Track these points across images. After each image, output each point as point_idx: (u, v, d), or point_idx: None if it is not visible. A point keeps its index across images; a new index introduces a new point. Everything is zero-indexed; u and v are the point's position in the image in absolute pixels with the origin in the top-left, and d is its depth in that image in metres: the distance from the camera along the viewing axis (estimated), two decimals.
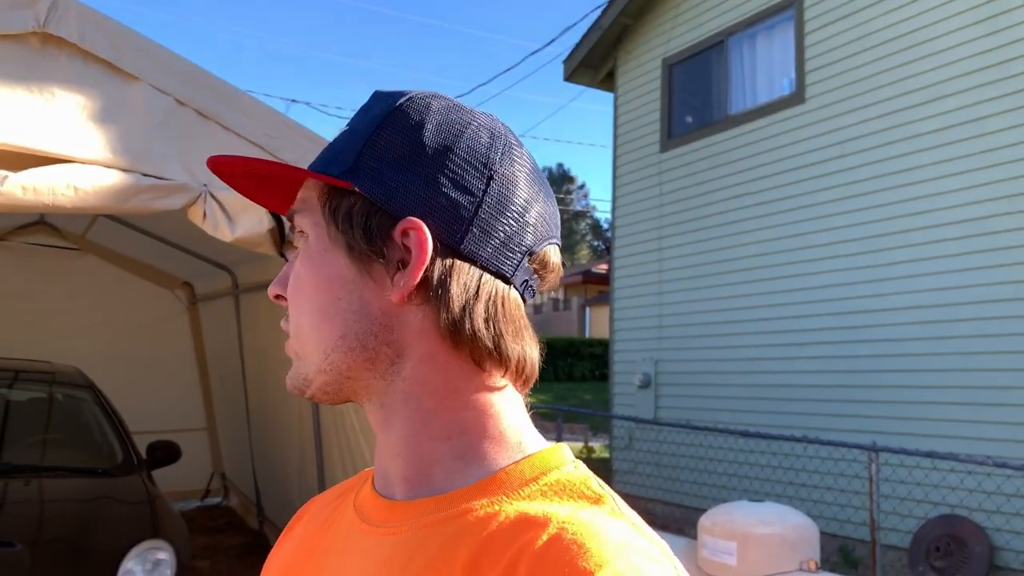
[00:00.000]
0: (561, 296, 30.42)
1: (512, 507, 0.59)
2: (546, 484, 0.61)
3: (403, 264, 0.61)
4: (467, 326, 0.61)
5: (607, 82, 9.37)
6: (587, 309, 27.24)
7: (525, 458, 0.63)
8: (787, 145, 7.07)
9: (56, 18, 2.58)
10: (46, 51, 2.61)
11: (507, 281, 0.63)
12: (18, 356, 5.36)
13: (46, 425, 4.66)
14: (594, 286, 27.78)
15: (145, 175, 2.70)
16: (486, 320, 0.62)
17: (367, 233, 0.62)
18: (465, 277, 0.62)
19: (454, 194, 0.62)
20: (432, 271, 0.61)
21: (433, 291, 0.61)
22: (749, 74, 7.73)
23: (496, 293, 0.62)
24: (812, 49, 6.98)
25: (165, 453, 4.66)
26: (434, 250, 0.61)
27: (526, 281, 0.65)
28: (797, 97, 7.07)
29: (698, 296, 7.72)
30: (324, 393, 0.66)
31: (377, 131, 0.64)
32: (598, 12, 9.07)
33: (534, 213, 0.64)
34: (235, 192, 2.74)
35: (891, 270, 6.13)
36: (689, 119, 8.30)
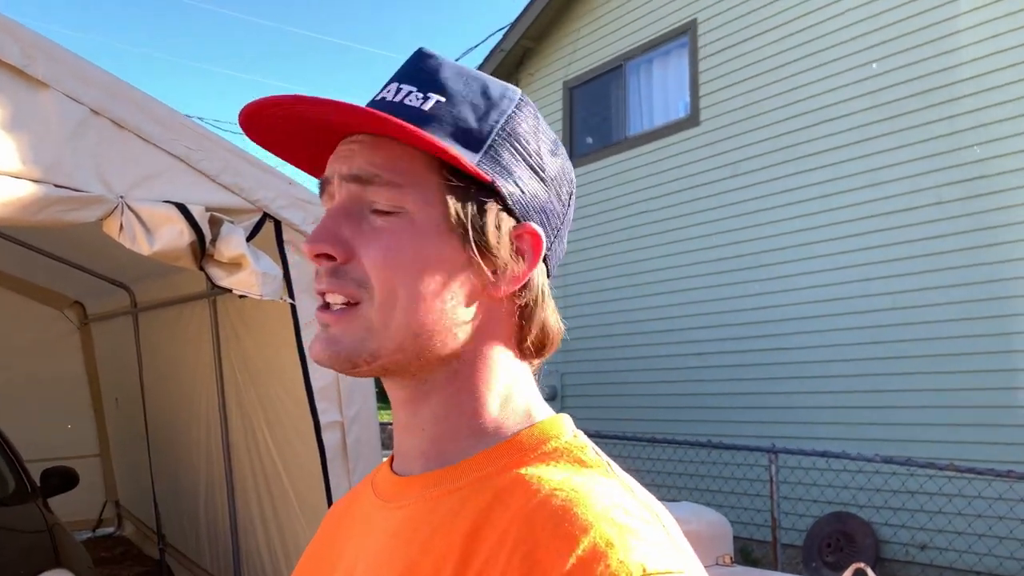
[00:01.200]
0: None
1: (511, 476, 0.61)
2: (544, 452, 0.63)
3: (509, 262, 0.64)
4: (537, 319, 0.67)
5: None
6: None
7: (528, 427, 0.65)
8: (683, 165, 7.39)
9: None
10: None
11: (549, 276, 0.69)
12: None
13: None
14: None
15: (58, 186, 2.60)
16: (550, 316, 0.68)
17: (496, 230, 0.63)
18: (542, 277, 0.67)
19: (558, 205, 0.68)
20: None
21: (521, 289, 0.66)
22: (646, 97, 8.05)
23: (548, 289, 0.69)
24: (706, 74, 7.34)
25: (62, 480, 4.45)
26: None
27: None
28: (692, 120, 7.41)
29: (602, 309, 7.94)
30: (383, 369, 0.64)
31: (509, 123, 0.65)
32: (500, 35, 9.25)
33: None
34: (153, 204, 2.66)
35: (780, 283, 6.49)
36: (590, 140, 8.56)
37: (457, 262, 0.63)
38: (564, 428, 0.66)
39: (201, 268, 2.92)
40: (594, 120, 8.52)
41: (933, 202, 5.69)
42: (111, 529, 7.12)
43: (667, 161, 7.55)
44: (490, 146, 0.64)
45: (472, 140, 0.63)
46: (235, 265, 2.90)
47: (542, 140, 0.67)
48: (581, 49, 8.57)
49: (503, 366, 0.67)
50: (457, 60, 0.68)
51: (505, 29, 9.15)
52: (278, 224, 3.11)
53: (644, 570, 0.51)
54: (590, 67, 8.46)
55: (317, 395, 3.17)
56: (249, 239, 2.97)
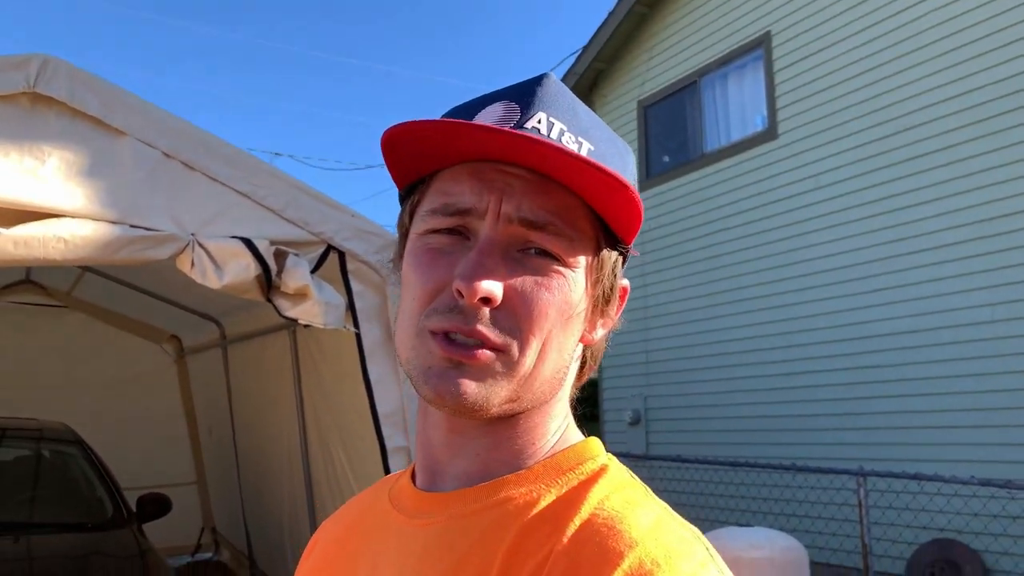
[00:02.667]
0: None
1: (551, 494, 0.61)
2: (584, 472, 0.63)
3: (612, 316, 0.70)
4: (598, 361, 0.72)
5: None
6: None
7: (565, 449, 0.66)
8: (762, 180, 7.23)
9: (46, 78, 2.66)
10: (35, 110, 2.68)
11: None
12: (4, 414, 5.35)
13: (35, 481, 4.64)
14: None
15: (133, 226, 2.76)
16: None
17: (613, 291, 0.68)
18: None
19: None
20: None
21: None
22: (722, 113, 7.93)
23: None
24: (782, 86, 7.18)
25: (155, 506, 4.64)
26: None
27: None
28: (770, 133, 7.25)
29: (684, 331, 7.80)
30: (500, 415, 0.63)
31: (636, 191, 0.63)
32: (572, 58, 9.31)
33: None
34: (221, 240, 2.79)
35: (868, 298, 6.24)
36: (666, 159, 8.48)
37: (583, 315, 0.65)
38: (600, 449, 0.67)
39: (268, 299, 3.03)
40: (669, 138, 8.44)
41: None
42: (209, 554, 7.38)
43: (745, 177, 7.40)
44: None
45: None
46: (300, 296, 3.00)
47: None
48: (654, 67, 8.52)
49: (566, 399, 0.69)
50: (548, 72, 0.68)
51: (577, 53, 9.20)
52: (342, 255, 3.20)
53: None
54: (664, 85, 8.40)
55: (383, 420, 3.23)
56: (314, 271, 3.07)
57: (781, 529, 6.06)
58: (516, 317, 0.60)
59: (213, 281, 2.86)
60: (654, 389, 8.08)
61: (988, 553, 5.39)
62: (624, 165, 0.66)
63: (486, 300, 0.59)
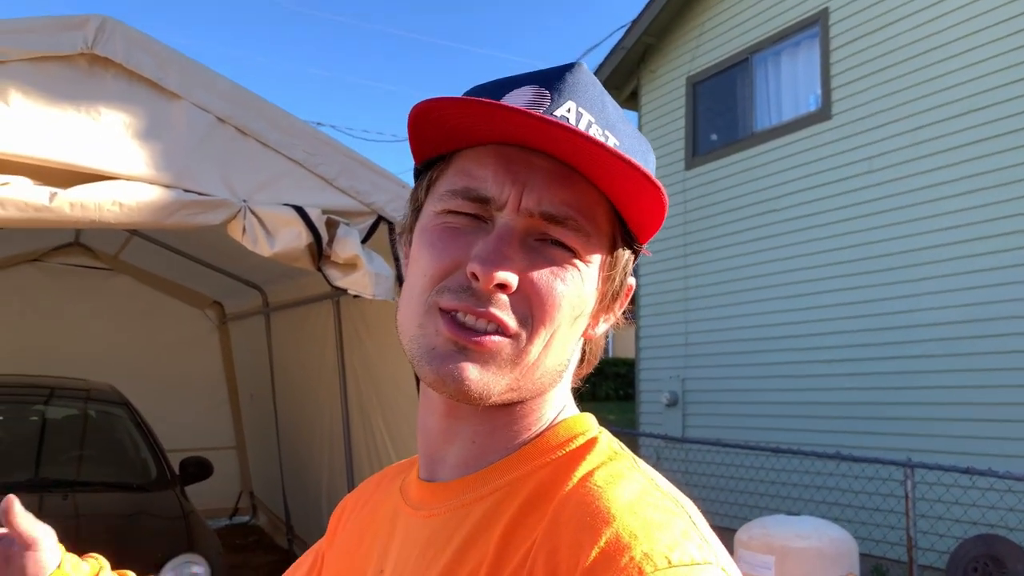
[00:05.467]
0: None
1: (540, 475, 0.61)
2: (571, 450, 0.63)
3: (617, 312, 0.69)
4: (598, 354, 0.71)
5: (631, 101, 9.41)
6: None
7: (554, 426, 0.66)
8: (814, 161, 7.05)
9: (104, 39, 2.64)
10: (93, 71, 2.67)
11: None
12: (53, 374, 5.45)
13: (81, 441, 4.72)
14: None
15: (187, 191, 2.75)
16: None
17: (622, 288, 0.68)
18: None
19: None
20: None
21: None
22: (774, 91, 7.74)
23: None
24: (838, 65, 6.97)
25: (197, 469, 4.70)
26: None
27: None
28: (823, 113, 7.06)
29: (725, 313, 7.68)
30: (501, 403, 0.63)
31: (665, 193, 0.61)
32: (621, 32, 9.14)
33: None
34: (273, 207, 2.76)
35: (921, 285, 6.07)
36: (714, 137, 8.31)
37: (588, 311, 0.65)
38: (589, 424, 0.67)
39: (319, 269, 3.02)
40: (719, 116, 8.27)
41: None
42: (246, 518, 7.51)
43: (796, 157, 7.23)
44: None
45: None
46: (350, 266, 2.98)
47: None
48: (705, 43, 8.34)
49: (566, 389, 0.69)
50: (579, 60, 0.65)
51: (626, 26, 9.03)
52: (392, 226, 3.17)
53: (669, 561, 0.50)
54: (714, 61, 8.22)
55: None
56: (364, 241, 3.05)
57: (822, 518, 5.98)
58: (529, 306, 0.59)
59: (264, 248, 2.84)
60: (693, 372, 7.98)
61: None
62: (647, 164, 0.65)
63: (502, 287, 0.58)
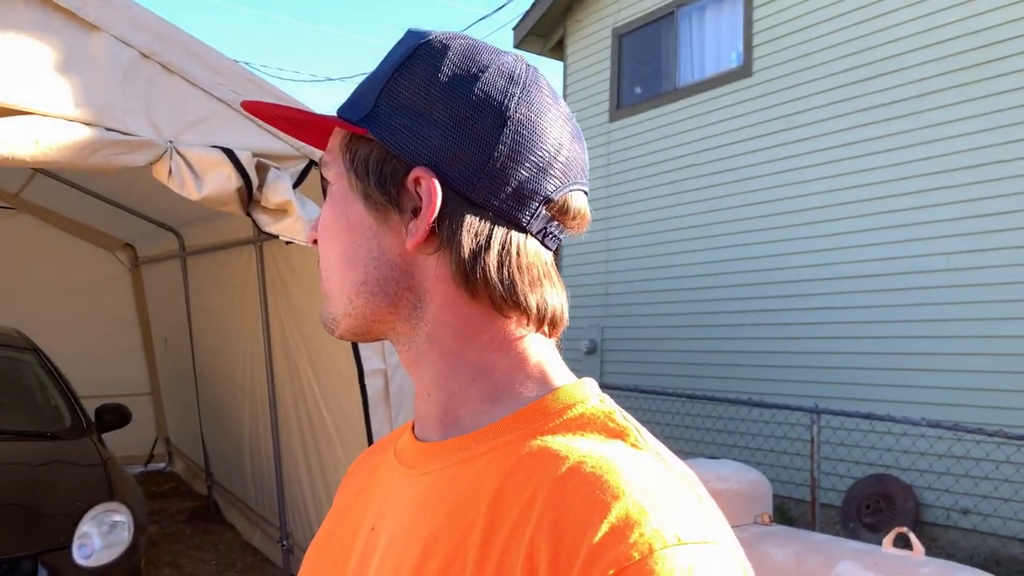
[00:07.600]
0: None
1: (536, 442, 0.59)
2: (569, 418, 0.61)
3: (416, 212, 0.62)
4: (478, 274, 0.61)
5: (557, 51, 9.37)
6: None
7: (549, 393, 0.63)
8: (734, 118, 7.21)
9: None
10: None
11: (523, 230, 0.63)
12: None
13: None
14: None
15: (108, 129, 2.62)
16: (498, 268, 0.62)
17: (381, 182, 0.63)
18: (477, 226, 0.62)
19: (465, 142, 0.61)
20: (444, 220, 0.61)
21: (445, 240, 0.62)
22: (698, 46, 7.84)
23: (510, 242, 0.62)
24: (760, 23, 7.10)
25: (115, 417, 4.58)
26: (445, 199, 0.61)
27: (545, 229, 0.64)
28: (744, 70, 7.21)
29: (645, 264, 7.86)
30: (352, 334, 0.68)
31: (394, 76, 0.64)
32: None
33: (554, 158, 0.63)
34: (201, 149, 2.67)
35: (829, 241, 6.35)
36: (638, 90, 8.38)
37: (366, 222, 0.65)
38: (589, 393, 0.64)
39: (248, 214, 2.94)
40: (643, 69, 8.33)
41: (995, 160, 5.48)
42: (162, 465, 7.37)
43: (716, 113, 7.38)
44: (378, 100, 0.64)
45: (366, 102, 0.65)
46: (281, 211, 2.92)
47: (442, 77, 0.63)
48: None
49: (482, 331, 0.64)
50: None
51: None
52: None
53: (679, 539, 0.50)
54: (641, 13, 8.25)
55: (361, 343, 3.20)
56: (296, 185, 2.98)
57: (733, 460, 6.29)
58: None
59: (192, 192, 2.75)
60: (612, 321, 8.17)
61: (925, 490, 5.67)
62: (388, 62, 0.67)
63: (315, 242, 0.70)
